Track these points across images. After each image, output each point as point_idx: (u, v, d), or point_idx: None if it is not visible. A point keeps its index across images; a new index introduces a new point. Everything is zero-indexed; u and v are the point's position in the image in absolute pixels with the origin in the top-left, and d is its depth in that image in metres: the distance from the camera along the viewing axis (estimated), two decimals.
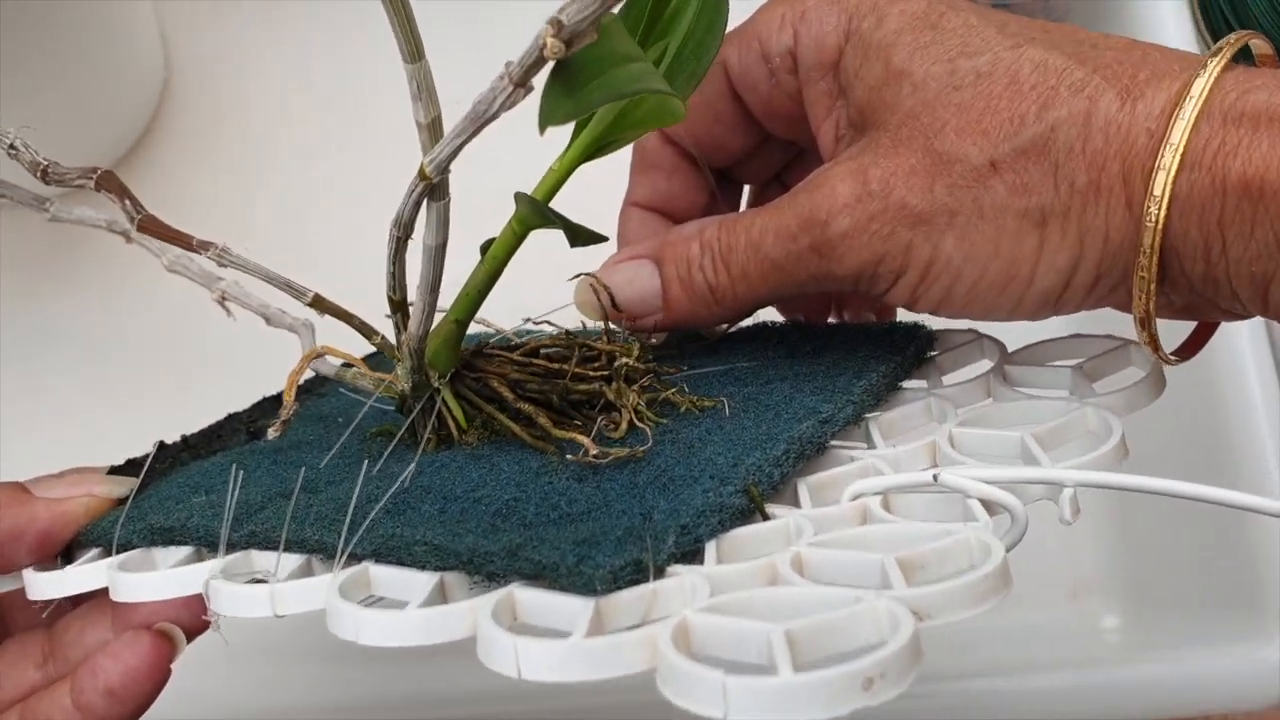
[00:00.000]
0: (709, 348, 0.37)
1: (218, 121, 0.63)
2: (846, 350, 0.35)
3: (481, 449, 0.32)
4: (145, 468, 0.35)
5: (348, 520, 0.27)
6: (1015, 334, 0.36)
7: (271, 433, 0.35)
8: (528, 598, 0.24)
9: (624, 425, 0.31)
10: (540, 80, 0.23)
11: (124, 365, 0.58)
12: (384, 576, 0.26)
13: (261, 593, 0.27)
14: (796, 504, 0.29)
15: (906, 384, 0.35)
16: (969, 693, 0.46)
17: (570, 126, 0.30)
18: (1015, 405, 0.32)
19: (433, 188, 0.27)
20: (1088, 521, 0.54)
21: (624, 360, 0.32)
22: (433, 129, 0.27)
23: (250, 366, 0.43)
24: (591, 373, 0.33)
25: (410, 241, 0.30)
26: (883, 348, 0.34)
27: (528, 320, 0.41)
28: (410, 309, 0.31)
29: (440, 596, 0.25)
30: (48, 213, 0.38)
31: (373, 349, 0.36)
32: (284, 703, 0.51)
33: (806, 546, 0.25)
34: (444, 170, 0.26)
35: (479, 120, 0.25)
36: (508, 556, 0.24)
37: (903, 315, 0.37)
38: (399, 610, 0.24)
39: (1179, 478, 0.24)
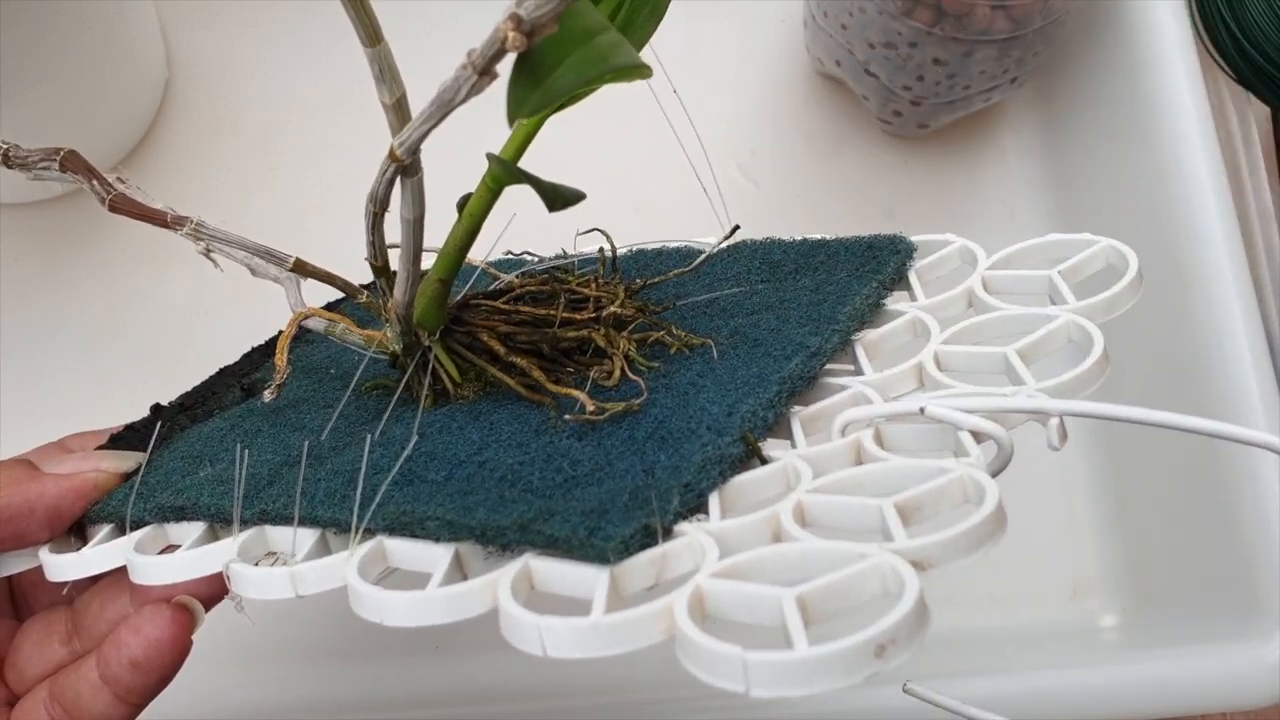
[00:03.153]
0: (694, 274, 0.37)
1: (220, 121, 0.62)
2: (828, 270, 0.35)
3: (479, 404, 0.32)
4: (153, 440, 0.36)
5: (358, 497, 0.28)
6: (992, 240, 0.36)
7: (267, 395, 0.35)
8: (543, 567, 0.25)
9: (616, 373, 0.31)
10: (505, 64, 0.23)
11: (124, 361, 0.59)
12: (400, 550, 0.27)
13: (282, 575, 0.27)
14: (789, 437, 0.30)
15: (888, 299, 0.35)
16: (969, 692, 0.45)
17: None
18: (997, 317, 0.33)
19: (405, 166, 0.27)
20: (1088, 521, 0.55)
21: (612, 309, 0.32)
22: (398, 109, 0.27)
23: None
24: (579, 316, 0.33)
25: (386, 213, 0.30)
26: (864, 265, 0.35)
27: (508, 253, 0.41)
28: (394, 276, 0.32)
29: (458, 568, 0.26)
30: (30, 171, 0.37)
31: (342, 294, 0.37)
32: (284, 703, 0.52)
33: (806, 494, 0.25)
34: (414, 153, 0.26)
35: (445, 107, 0.24)
36: (519, 530, 0.25)
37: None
38: (420, 591, 0.25)
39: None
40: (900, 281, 0.36)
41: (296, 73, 0.64)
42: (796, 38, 0.62)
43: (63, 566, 0.33)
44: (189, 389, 0.41)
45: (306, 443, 0.32)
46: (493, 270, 0.38)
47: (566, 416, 0.29)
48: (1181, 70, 0.52)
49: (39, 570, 0.36)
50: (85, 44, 0.51)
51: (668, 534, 0.25)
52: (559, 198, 0.28)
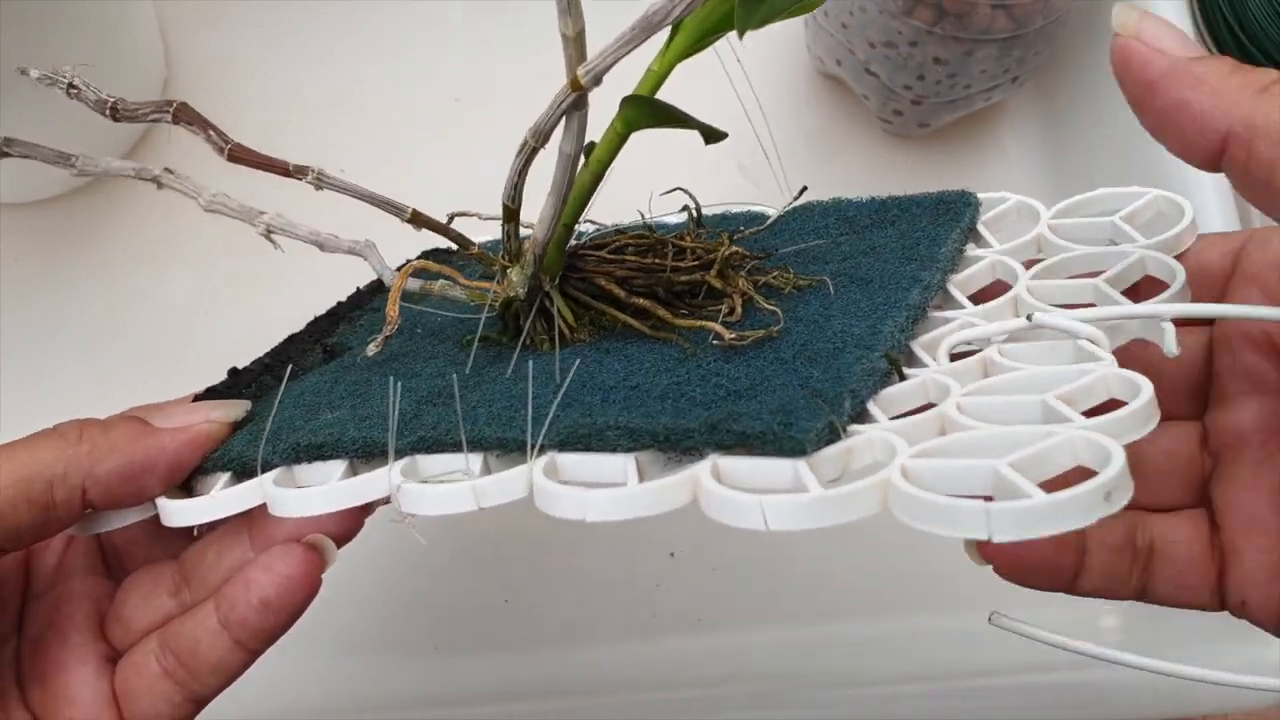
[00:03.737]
0: (771, 232, 0.39)
1: (220, 121, 0.62)
2: (909, 221, 0.38)
3: (601, 343, 0.34)
4: (281, 388, 0.37)
5: (529, 414, 0.29)
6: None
7: (371, 349, 0.37)
8: (731, 464, 0.26)
9: (738, 309, 0.33)
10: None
11: (124, 361, 0.59)
12: (573, 463, 0.29)
13: (463, 489, 0.28)
14: (911, 363, 0.32)
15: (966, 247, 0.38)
16: (969, 692, 0.47)
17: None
18: (1073, 257, 0.36)
19: (576, 100, 0.29)
20: None
21: (732, 249, 0.34)
22: (578, 41, 0.28)
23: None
24: (683, 264, 0.35)
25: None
26: (943, 216, 0.38)
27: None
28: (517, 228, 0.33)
29: (639, 474, 0.28)
30: (74, 168, 0.38)
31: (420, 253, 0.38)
32: (283, 702, 0.52)
33: (964, 397, 0.28)
34: (598, 80, 0.28)
35: (650, 29, 0.26)
36: (708, 431, 0.27)
37: None
38: (621, 488, 0.26)
39: None
40: (972, 231, 0.38)
41: (297, 72, 0.64)
42: (796, 37, 0.63)
43: (187, 512, 0.33)
44: (263, 353, 0.42)
45: (455, 375, 0.33)
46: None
47: (714, 341, 0.31)
48: None
49: (131, 531, 0.37)
50: (85, 44, 0.52)
51: (845, 432, 0.27)
52: (713, 133, 0.30)
